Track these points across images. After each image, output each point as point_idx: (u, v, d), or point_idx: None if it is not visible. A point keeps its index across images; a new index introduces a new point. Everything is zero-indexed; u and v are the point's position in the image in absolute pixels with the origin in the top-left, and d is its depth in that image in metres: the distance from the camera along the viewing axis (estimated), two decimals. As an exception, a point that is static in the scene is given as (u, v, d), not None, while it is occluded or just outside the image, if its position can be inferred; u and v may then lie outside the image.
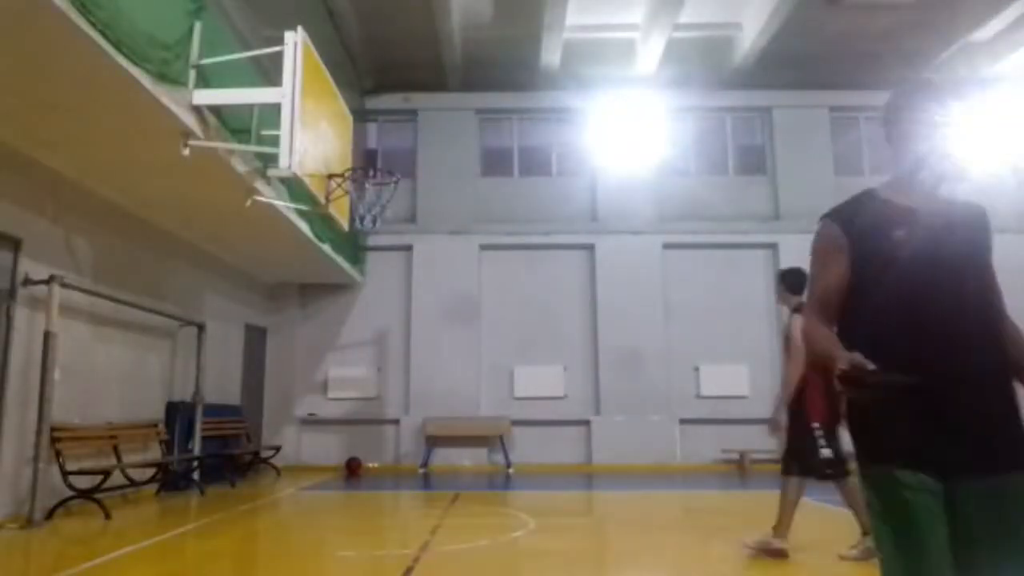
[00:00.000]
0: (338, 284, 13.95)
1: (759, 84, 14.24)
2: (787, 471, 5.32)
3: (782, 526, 5.26)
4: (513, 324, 14.10)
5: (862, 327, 2.00)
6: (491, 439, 13.48)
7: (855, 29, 13.09)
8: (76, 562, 5.20)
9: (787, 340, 5.39)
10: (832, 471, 5.19)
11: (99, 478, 7.40)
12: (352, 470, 12.70)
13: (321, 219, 9.53)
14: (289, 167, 6.34)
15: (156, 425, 9.53)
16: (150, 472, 9.10)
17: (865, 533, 5.02)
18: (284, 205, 8.68)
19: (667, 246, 14.22)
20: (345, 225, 8.80)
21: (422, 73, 14.22)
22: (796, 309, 5.46)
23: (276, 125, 6.50)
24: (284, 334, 14.01)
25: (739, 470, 12.92)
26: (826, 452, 5.14)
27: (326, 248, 11.06)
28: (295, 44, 6.55)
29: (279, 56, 6.57)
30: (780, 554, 5.21)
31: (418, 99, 14.79)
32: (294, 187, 8.39)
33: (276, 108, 6.49)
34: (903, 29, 13.11)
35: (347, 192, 8.12)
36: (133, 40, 5.27)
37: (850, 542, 5.23)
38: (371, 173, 8.87)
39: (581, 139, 14.72)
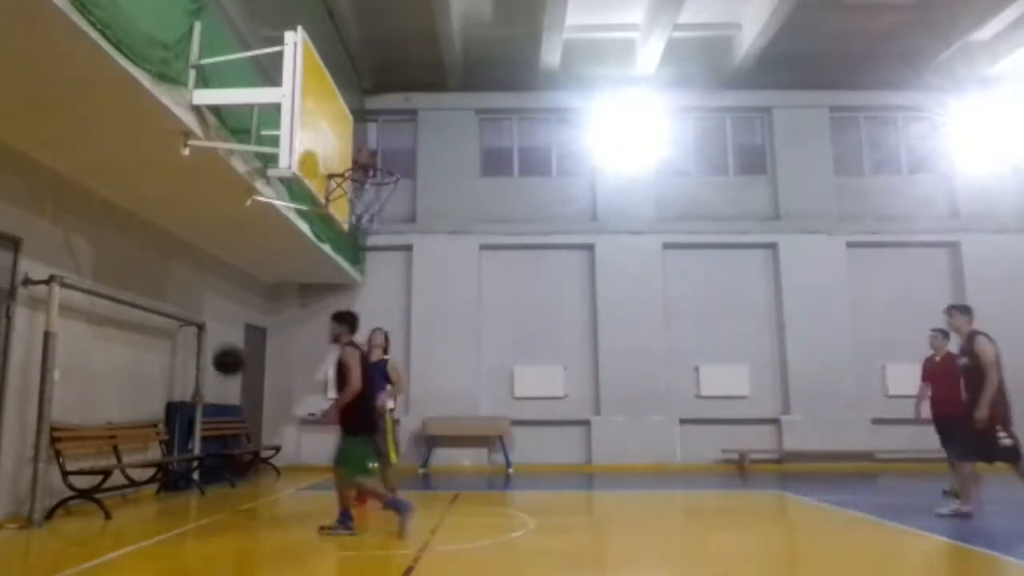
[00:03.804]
0: (338, 284, 13.95)
1: (759, 84, 14.25)
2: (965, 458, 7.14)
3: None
4: (513, 324, 14.10)
5: None
6: (491, 439, 13.48)
7: (855, 29, 13.10)
8: (76, 562, 5.19)
9: (977, 357, 6.99)
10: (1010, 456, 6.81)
11: (99, 478, 7.39)
12: (352, 470, 12.67)
13: (321, 219, 9.53)
14: (289, 167, 6.33)
15: (156, 425, 9.53)
16: (150, 472, 9.10)
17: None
18: (284, 205, 8.68)
19: (667, 246, 14.22)
20: (345, 225, 8.79)
21: (422, 73, 14.22)
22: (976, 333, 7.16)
23: (276, 125, 6.50)
24: (284, 334, 14.01)
25: (739, 470, 12.92)
26: (1007, 442, 6.78)
27: (326, 248, 11.06)
28: (295, 44, 6.54)
29: (279, 56, 6.56)
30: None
31: (418, 99, 14.79)
32: (294, 187, 8.39)
33: (276, 108, 6.48)
34: (903, 29, 13.11)
35: (347, 192, 8.12)
36: (133, 40, 5.27)
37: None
38: (371, 173, 8.85)
39: (581, 139, 14.72)
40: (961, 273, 14.09)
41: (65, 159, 7.23)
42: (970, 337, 7.11)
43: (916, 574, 5.25)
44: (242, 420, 12.19)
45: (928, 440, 13.26)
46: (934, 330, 8.53)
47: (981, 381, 6.84)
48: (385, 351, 8.10)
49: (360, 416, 6.52)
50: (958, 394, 7.39)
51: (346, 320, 6.71)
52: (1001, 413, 6.81)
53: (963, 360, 7.17)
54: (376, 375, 7.70)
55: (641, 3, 12.79)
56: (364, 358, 6.62)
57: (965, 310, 7.40)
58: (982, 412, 6.71)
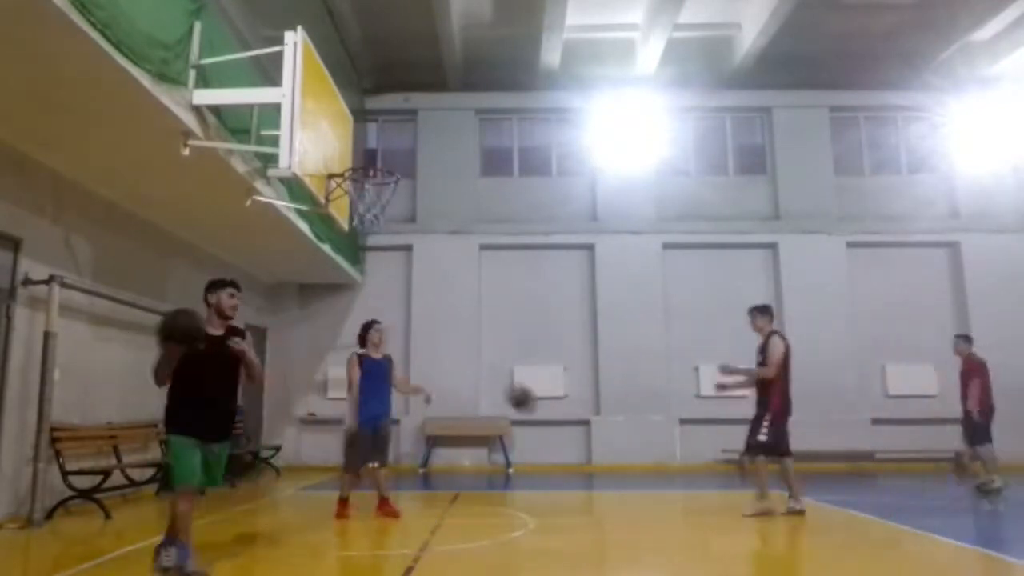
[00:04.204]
0: (338, 284, 13.95)
1: (759, 84, 14.24)
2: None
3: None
4: (513, 324, 14.10)
5: None
6: (491, 439, 13.47)
7: (855, 29, 13.10)
8: (76, 562, 5.20)
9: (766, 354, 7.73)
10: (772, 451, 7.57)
11: (99, 478, 7.40)
12: (352, 470, 12.67)
13: (321, 219, 9.53)
14: (289, 167, 6.34)
15: (156, 425, 9.50)
16: (150, 472, 9.10)
17: (792, 496, 7.48)
18: (284, 205, 8.68)
19: (667, 246, 14.22)
20: (345, 225, 8.80)
21: (422, 73, 14.22)
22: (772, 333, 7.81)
23: (276, 125, 6.50)
24: (284, 334, 14.00)
25: (739, 470, 12.91)
26: (762, 438, 7.60)
27: (326, 248, 11.06)
28: (295, 44, 6.55)
29: (279, 56, 6.57)
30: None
31: (418, 99, 14.79)
32: (294, 187, 8.39)
33: (276, 108, 6.48)
34: (903, 29, 13.11)
35: (347, 192, 8.12)
36: (133, 40, 5.27)
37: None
38: (371, 173, 8.86)
39: (581, 139, 14.71)
40: (961, 273, 14.09)
41: (65, 159, 7.23)
42: (768, 336, 7.77)
43: (916, 574, 5.25)
44: (242, 420, 12.17)
45: (927, 440, 13.39)
46: (956, 336, 10.04)
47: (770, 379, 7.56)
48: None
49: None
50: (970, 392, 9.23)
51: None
52: (783, 410, 7.73)
53: (759, 359, 7.84)
54: (382, 372, 7.45)
55: (641, 3, 12.79)
56: None
57: (764, 311, 7.98)
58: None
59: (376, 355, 7.45)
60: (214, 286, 4.91)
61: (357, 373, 7.28)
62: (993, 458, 9.26)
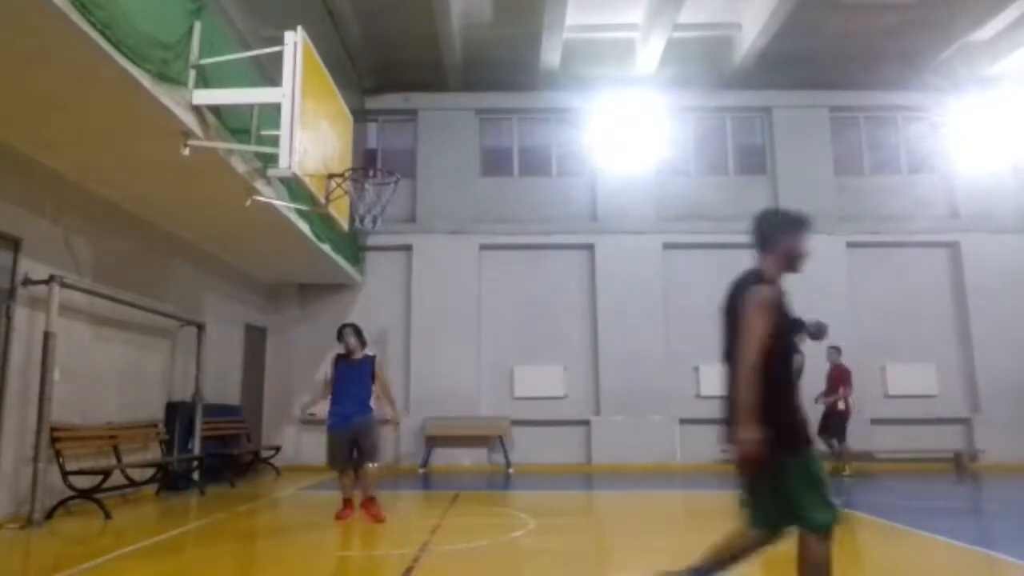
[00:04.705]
0: (338, 284, 13.95)
1: (759, 84, 14.24)
2: None
3: None
4: (513, 324, 14.09)
5: None
6: (491, 439, 13.47)
7: (855, 29, 13.10)
8: (76, 562, 5.20)
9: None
10: None
11: (99, 478, 7.40)
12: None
13: (321, 219, 9.53)
14: (289, 167, 6.34)
15: (156, 425, 9.53)
16: (150, 472, 9.10)
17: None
18: (284, 205, 8.68)
19: (667, 246, 14.21)
20: (345, 225, 8.80)
21: (422, 73, 14.22)
22: None
23: (276, 125, 6.50)
24: (284, 334, 14.00)
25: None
26: None
27: (326, 248, 11.06)
28: (295, 44, 6.55)
29: (279, 56, 6.57)
30: None
31: (418, 99, 14.78)
32: (294, 187, 8.39)
33: (276, 108, 6.48)
34: (903, 29, 13.11)
35: (347, 192, 8.12)
36: (133, 40, 5.27)
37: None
38: (371, 173, 8.86)
39: (581, 139, 14.71)
40: (961, 273, 14.09)
41: (65, 159, 7.24)
42: None
43: (915, 574, 5.25)
44: (242, 420, 12.19)
45: (927, 440, 13.40)
46: (829, 347, 11.55)
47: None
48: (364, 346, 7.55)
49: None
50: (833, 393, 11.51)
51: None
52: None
53: None
54: (353, 374, 7.35)
55: (641, 3, 12.79)
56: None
57: None
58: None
59: (355, 356, 7.45)
60: (795, 225, 3.46)
61: (330, 374, 7.50)
62: (840, 452, 11.34)
